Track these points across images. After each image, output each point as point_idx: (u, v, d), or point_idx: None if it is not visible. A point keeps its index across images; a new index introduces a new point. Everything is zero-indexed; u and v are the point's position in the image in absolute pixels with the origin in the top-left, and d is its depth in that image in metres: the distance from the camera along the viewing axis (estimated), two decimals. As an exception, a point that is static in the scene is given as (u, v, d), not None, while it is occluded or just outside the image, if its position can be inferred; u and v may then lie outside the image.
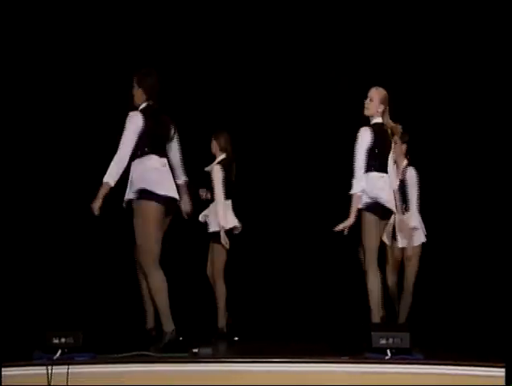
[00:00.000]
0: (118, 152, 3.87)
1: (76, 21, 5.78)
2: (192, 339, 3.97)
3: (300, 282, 5.87)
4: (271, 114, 6.06)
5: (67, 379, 3.32)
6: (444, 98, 5.90)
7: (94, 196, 3.81)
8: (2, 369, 3.26)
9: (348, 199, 4.08)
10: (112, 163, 3.87)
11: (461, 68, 5.87)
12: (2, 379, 3.24)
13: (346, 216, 4.07)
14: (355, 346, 3.83)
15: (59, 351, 3.46)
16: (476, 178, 5.78)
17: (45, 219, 5.57)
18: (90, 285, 5.43)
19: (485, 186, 5.76)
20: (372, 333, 3.63)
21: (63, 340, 3.49)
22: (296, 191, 6.02)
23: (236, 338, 4.75)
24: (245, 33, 6.00)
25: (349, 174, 4.10)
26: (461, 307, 5.43)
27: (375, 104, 4.12)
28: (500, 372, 3.42)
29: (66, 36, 5.78)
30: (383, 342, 3.59)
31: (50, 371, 3.29)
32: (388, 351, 3.57)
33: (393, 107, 4.21)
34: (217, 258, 4.87)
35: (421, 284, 5.00)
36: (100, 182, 3.84)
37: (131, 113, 3.94)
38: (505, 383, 3.29)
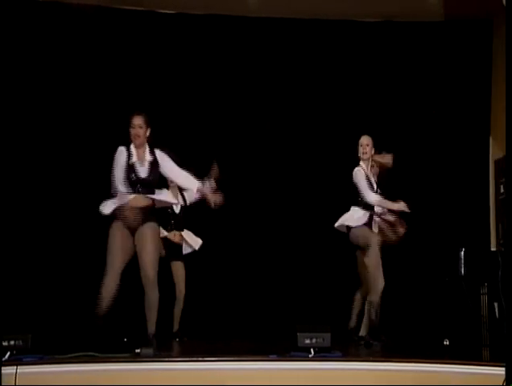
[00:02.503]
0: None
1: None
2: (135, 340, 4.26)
3: (241, 285, 6.14)
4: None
5: (15, 379, 3.55)
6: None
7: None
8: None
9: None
10: None
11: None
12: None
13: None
14: (282, 345, 4.22)
15: (8, 353, 3.66)
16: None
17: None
18: (38, 288, 5.60)
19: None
20: (298, 333, 4.00)
21: (12, 342, 3.69)
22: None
23: (177, 339, 5.05)
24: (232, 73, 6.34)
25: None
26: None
27: (370, 147, 4.96)
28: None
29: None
30: (307, 341, 3.98)
31: (-2, 371, 3.51)
32: (311, 350, 3.95)
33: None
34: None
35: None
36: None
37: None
38: (506, 383, 3.52)
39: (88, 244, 5.49)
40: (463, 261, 5.18)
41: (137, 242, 4.26)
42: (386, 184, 5.28)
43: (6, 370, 3.53)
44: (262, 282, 6.14)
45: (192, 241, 5.51)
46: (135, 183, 4.27)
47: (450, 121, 6.35)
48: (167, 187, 5.32)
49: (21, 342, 3.74)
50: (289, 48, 6.43)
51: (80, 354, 3.91)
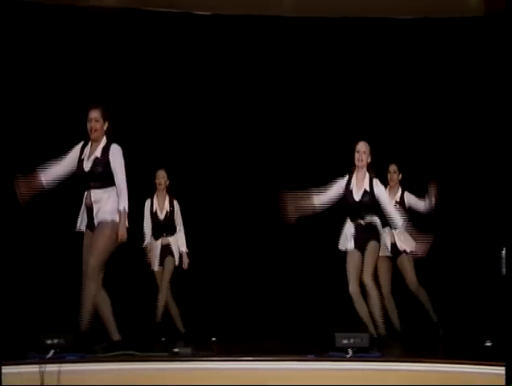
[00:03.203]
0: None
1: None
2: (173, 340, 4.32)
3: (271, 286, 6.13)
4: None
5: (58, 376, 3.64)
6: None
7: None
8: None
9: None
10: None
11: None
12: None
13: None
14: (320, 345, 4.22)
15: (52, 351, 3.76)
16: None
17: (41, 224, 5.72)
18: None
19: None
20: (335, 334, 4.01)
21: (55, 341, 3.79)
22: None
23: (213, 339, 5.09)
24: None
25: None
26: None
27: (367, 155, 4.72)
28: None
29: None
30: (345, 342, 3.97)
31: (43, 370, 3.60)
32: (349, 350, 3.94)
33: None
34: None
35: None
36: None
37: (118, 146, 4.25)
38: (506, 383, 3.50)
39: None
40: (504, 261, 5.08)
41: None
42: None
43: (50, 368, 3.63)
44: (290, 282, 6.13)
45: (175, 247, 5.49)
46: (80, 177, 4.23)
47: (494, 118, 6.21)
48: (155, 189, 5.44)
49: (63, 341, 3.83)
50: (321, 47, 6.36)
51: (120, 353, 4.00)
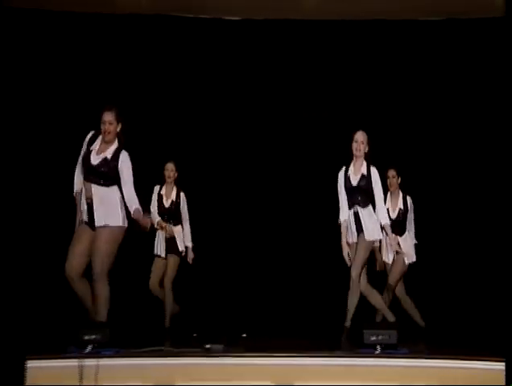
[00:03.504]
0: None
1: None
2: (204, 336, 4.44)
3: (298, 285, 6.24)
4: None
5: (96, 370, 3.77)
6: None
7: None
8: (41, 361, 3.73)
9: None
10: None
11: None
12: (41, 370, 3.70)
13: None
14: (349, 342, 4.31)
15: (90, 346, 3.91)
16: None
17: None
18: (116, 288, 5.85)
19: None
20: (364, 331, 4.09)
21: (92, 336, 3.93)
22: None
23: (244, 335, 5.21)
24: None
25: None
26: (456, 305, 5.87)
27: (365, 145, 4.72)
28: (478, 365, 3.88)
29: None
30: (373, 338, 4.05)
31: (81, 364, 3.74)
32: (377, 347, 4.03)
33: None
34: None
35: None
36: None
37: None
38: (506, 383, 3.56)
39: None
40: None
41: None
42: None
43: (88, 362, 3.77)
44: (314, 278, 6.23)
45: (179, 240, 5.55)
46: (86, 170, 4.32)
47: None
48: (163, 181, 5.54)
49: (100, 336, 3.96)
50: (347, 49, 6.45)
51: (154, 348, 4.13)
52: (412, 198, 5.53)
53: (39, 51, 6.14)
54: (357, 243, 4.72)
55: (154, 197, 5.60)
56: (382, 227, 4.74)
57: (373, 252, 5.21)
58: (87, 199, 4.29)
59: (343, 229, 4.74)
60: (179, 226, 5.58)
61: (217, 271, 6.10)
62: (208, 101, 6.45)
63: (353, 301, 4.68)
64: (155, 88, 6.35)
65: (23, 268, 4.36)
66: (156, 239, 5.55)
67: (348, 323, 4.66)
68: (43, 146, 6.01)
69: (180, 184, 5.66)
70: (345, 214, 4.74)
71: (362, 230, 4.70)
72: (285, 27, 6.44)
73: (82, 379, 3.70)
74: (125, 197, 4.32)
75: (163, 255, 5.52)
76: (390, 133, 6.26)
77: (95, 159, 4.31)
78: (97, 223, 4.26)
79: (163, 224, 5.48)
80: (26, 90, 6.05)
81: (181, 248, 5.55)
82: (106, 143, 4.34)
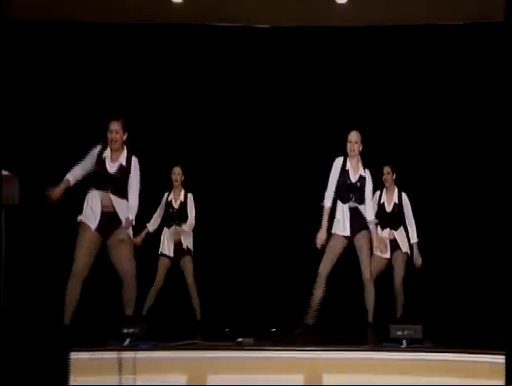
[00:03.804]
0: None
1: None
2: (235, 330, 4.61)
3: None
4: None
5: (134, 362, 3.97)
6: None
7: None
8: (83, 353, 3.95)
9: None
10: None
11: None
12: (83, 361, 3.90)
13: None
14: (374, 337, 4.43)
15: (128, 340, 4.09)
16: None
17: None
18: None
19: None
20: (390, 326, 4.20)
21: (131, 330, 4.12)
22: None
23: (273, 330, 5.35)
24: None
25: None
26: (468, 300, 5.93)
27: (359, 145, 4.91)
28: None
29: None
30: (399, 333, 4.16)
31: (120, 356, 3.94)
32: (403, 341, 4.13)
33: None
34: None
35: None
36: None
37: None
38: (506, 383, 3.58)
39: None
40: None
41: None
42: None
43: (126, 355, 3.96)
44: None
45: (188, 244, 5.71)
46: (103, 178, 4.46)
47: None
48: (172, 185, 5.67)
49: (138, 330, 4.14)
50: (347, 53, 6.56)
51: (188, 342, 4.30)
52: (409, 195, 5.65)
53: (54, 61, 6.33)
54: (351, 240, 4.93)
55: (163, 203, 5.74)
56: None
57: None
58: (104, 207, 4.45)
59: (325, 213, 4.92)
60: (184, 225, 5.71)
61: (247, 269, 6.25)
62: (223, 106, 6.56)
63: (370, 301, 4.91)
64: (165, 93, 6.47)
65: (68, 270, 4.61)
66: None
67: (371, 319, 4.83)
68: (54, 155, 6.13)
69: (188, 187, 5.80)
70: (330, 201, 4.94)
71: (364, 227, 4.92)
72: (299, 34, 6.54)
73: (121, 370, 3.90)
74: (129, 203, 4.49)
75: (167, 252, 5.70)
76: (386, 131, 6.36)
77: (111, 167, 4.50)
78: (116, 232, 4.49)
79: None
80: (40, 99, 6.24)
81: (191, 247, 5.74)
82: (115, 151, 4.52)
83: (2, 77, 5.00)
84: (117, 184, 4.47)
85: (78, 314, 4.43)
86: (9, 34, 6.02)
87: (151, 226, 5.72)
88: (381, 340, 4.25)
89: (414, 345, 4.11)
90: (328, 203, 4.95)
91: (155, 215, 5.76)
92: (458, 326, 5.36)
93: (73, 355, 3.79)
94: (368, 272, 4.90)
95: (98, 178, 4.48)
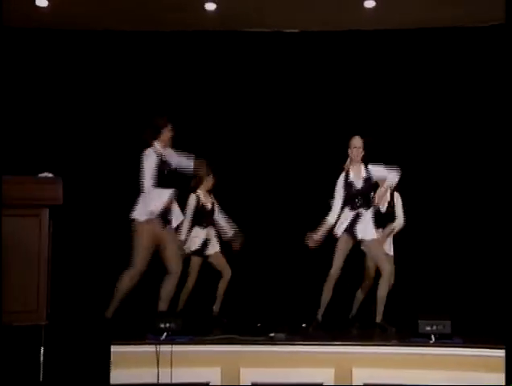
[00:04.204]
0: None
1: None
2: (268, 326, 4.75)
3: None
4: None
5: (170, 356, 4.15)
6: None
7: None
8: (124, 347, 4.15)
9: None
10: None
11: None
12: (122, 354, 4.10)
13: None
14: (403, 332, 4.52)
15: (165, 334, 4.26)
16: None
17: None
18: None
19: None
20: (419, 321, 4.29)
21: (167, 325, 4.28)
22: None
23: (304, 325, 5.47)
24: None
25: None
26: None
27: (362, 149, 4.98)
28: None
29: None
30: (428, 328, 4.25)
31: (158, 349, 4.13)
32: (432, 336, 4.22)
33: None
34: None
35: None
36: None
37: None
38: (506, 383, 3.64)
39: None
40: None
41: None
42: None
43: (163, 348, 4.15)
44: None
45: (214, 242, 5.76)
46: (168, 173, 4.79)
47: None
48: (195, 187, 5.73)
49: (174, 325, 4.31)
50: (355, 57, 6.54)
51: (223, 336, 4.48)
52: (408, 195, 5.59)
53: (96, 69, 6.47)
54: (360, 241, 4.97)
55: (193, 206, 5.66)
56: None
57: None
58: (169, 204, 4.72)
59: (326, 227, 4.97)
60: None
61: (279, 266, 6.36)
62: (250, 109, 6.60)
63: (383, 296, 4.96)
64: (197, 98, 6.52)
65: (113, 268, 4.84)
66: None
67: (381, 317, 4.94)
68: (94, 158, 6.33)
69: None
70: (334, 218, 4.97)
71: (369, 229, 4.98)
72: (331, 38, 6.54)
73: (158, 363, 4.09)
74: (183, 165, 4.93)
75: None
76: (396, 133, 6.35)
77: (174, 161, 4.86)
78: (173, 225, 4.82)
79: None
80: (80, 104, 6.40)
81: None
82: (166, 148, 4.85)
83: (44, 84, 5.24)
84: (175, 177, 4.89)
85: (119, 310, 4.63)
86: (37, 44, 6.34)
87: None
88: (409, 335, 4.33)
89: (443, 340, 4.19)
90: (331, 220, 4.99)
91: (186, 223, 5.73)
92: (485, 322, 5.38)
93: (114, 349, 3.99)
94: (385, 263, 4.95)
95: (159, 176, 4.76)
